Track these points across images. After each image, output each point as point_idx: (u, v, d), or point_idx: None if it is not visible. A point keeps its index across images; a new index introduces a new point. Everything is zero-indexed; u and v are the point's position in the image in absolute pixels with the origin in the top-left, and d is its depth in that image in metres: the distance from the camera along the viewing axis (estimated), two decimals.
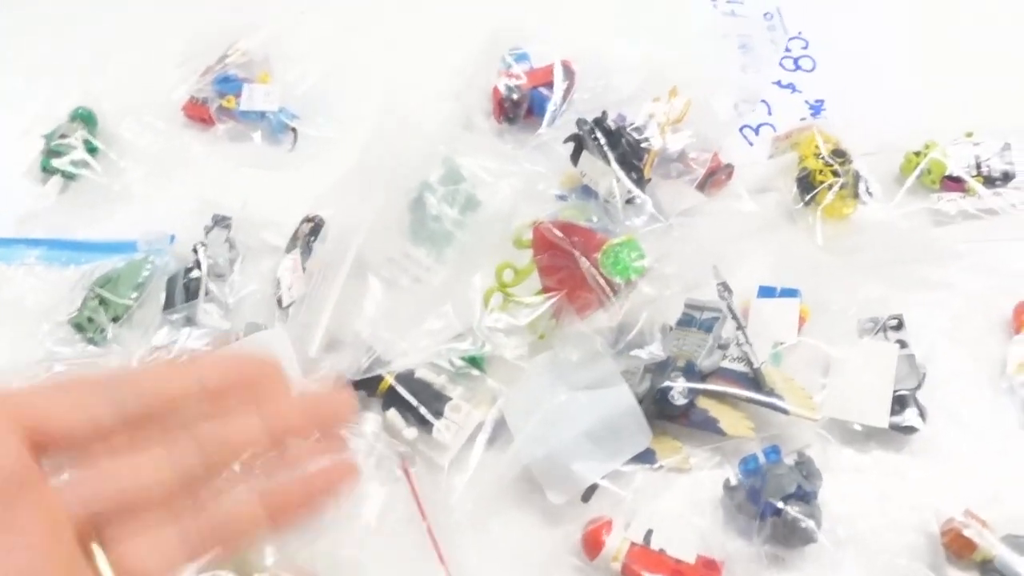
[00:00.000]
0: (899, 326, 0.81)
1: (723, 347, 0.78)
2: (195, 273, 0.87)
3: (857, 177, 0.90)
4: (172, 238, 0.93)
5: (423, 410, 0.76)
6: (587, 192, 0.90)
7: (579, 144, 0.89)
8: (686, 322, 0.80)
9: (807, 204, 0.89)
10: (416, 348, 0.78)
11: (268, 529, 0.41)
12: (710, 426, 0.75)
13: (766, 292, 0.83)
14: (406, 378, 0.78)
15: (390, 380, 0.78)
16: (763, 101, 1.03)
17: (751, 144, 1.00)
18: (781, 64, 1.07)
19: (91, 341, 0.85)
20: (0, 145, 1.05)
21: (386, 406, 0.78)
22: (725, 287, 0.81)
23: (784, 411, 0.74)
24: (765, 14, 1.13)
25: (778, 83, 1.05)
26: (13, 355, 0.86)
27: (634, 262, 0.77)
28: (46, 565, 0.35)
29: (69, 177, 1.00)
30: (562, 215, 0.83)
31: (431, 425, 0.76)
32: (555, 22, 1.09)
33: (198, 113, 1.05)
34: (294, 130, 1.04)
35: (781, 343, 0.80)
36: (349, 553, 0.73)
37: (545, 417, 0.75)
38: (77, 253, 0.94)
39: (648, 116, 0.90)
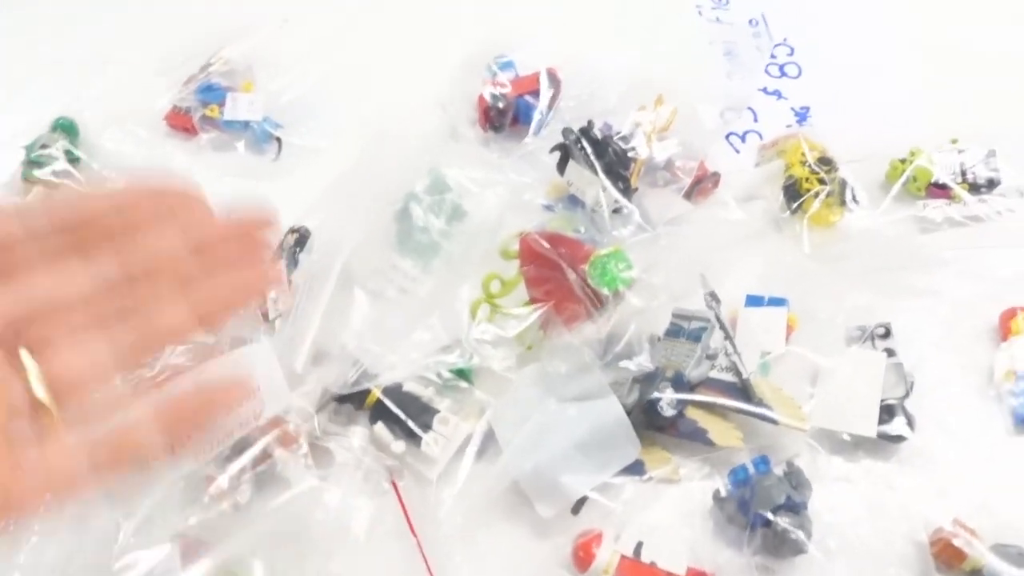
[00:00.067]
0: (887, 334, 0.81)
1: (711, 357, 0.78)
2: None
3: (843, 185, 0.90)
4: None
5: (411, 423, 0.76)
6: (574, 202, 0.90)
7: (565, 154, 0.88)
8: (674, 332, 0.80)
9: (794, 212, 0.89)
10: (404, 361, 0.78)
11: (197, 333, 0.42)
12: (699, 437, 0.75)
13: (754, 301, 0.83)
14: (393, 391, 0.77)
15: (377, 393, 0.77)
16: (749, 108, 1.03)
17: (737, 152, 0.99)
18: (767, 71, 1.07)
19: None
20: None
21: (373, 420, 0.77)
22: (713, 296, 0.81)
23: (773, 421, 0.74)
24: (750, 21, 1.13)
25: (764, 90, 1.05)
26: None
27: (621, 273, 0.76)
28: None
29: (51, 188, 0.99)
30: (549, 226, 0.82)
31: (419, 438, 0.76)
32: (540, 30, 1.09)
33: (181, 122, 1.04)
34: (278, 140, 1.03)
35: (769, 352, 0.80)
36: (337, 567, 0.73)
37: (534, 429, 0.74)
38: None
39: (634, 125, 0.90)
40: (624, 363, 0.75)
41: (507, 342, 0.79)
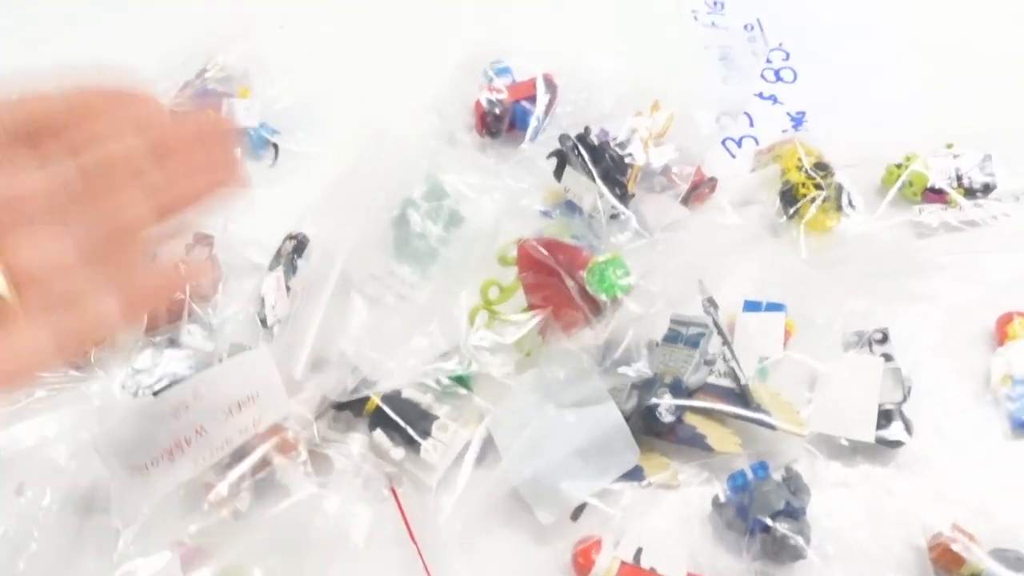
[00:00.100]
0: (884, 339, 0.81)
1: (709, 363, 0.78)
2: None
3: (840, 190, 0.91)
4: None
5: (410, 430, 0.76)
6: (571, 208, 0.90)
7: (562, 160, 0.89)
8: (672, 338, 0.80)
9: (790, 217, 0.90)
10: (402, 368, 0.78)
11: (156, 225, 0.44)
12: (698, 442, 0.75)
13: (751, 307, 0.83)
14: (392, 398, 0.77)
15: (376, 400, 0.77)
16: (745, 113, 1.03)
17: (733, 156, 1.00)
18: (762, 76, 1.08)
19: (73, 364, 0.84)
20: None
21: (372, 426, 0.77)
22: (711, 302, 0.81)
23: (771, 427, 0.74)
24: (745, 26, 1.13)
25: (760, 95, 1.06)
26: None
27: (619, 280, 0.77)
28: None
29: None
30: (546, 232, 0.82)
31: (418, 445, 0.76)
32: (535, 35, 1.09)
33: None
34: (275, 145, 1.03)
35: (767, 358, 0.80)
36: (337, 574, 0.73)
37: (533, 436, 0.75)
38: None
39: (631, 131, 0.90)
40: (623, 369, 0.75)
41: (505, 348, 0.79)
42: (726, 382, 0.77)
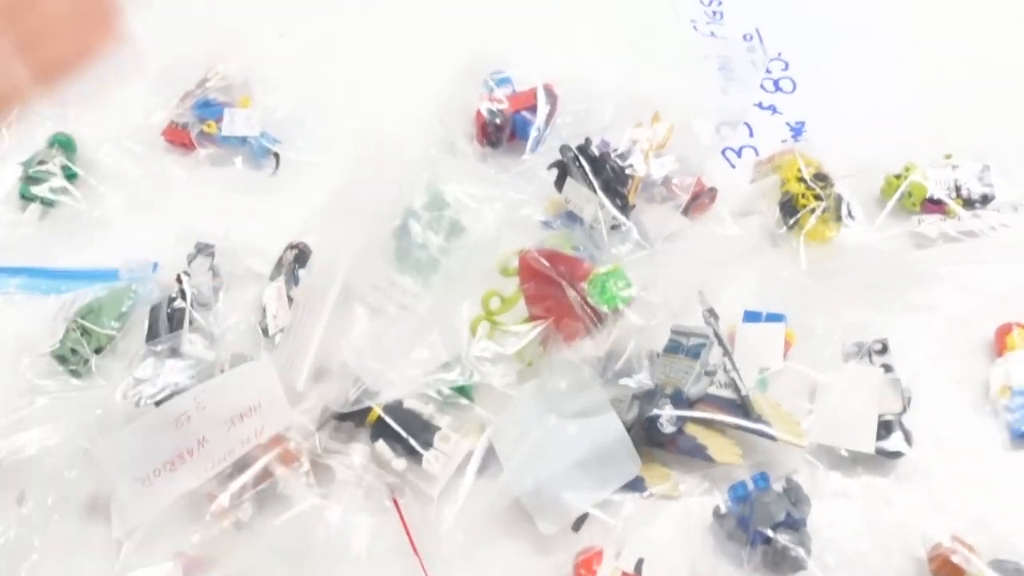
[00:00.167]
0: (883, 350, 0.81)
1: (710, 374, 0.78)
2: (179, 303, 0.86)
3: (839, 200, 0.91)
4: (155, 266, 0.92)
5: (412, 441, 0.76)
6: (571, 218, 0.90)
7: (563, 171, 0.89)
8: (673, 348, 0.80)
9: (790, 228, 0.90)
10: (404, 378, 0.78)
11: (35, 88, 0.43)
12: (698, 453, 0.75)
13: (752, 317, 0.84)
14: (394, 408, 0.78)
15: (378, 411, 0.77)
16: (744, 123, 1.03)
17: (733, 167, 1.00)
18: (762, 86, 1.08)
19: (74, 373, 0.85)
20: None
21: (374, 437, 0.77)
22: (711, 313, 0.81)
23: (772, 438, 0.74)
24: (744, 36, 1.14)
25: (759, 105, 1.06)
26: None
27: (621, 291, 0.77)
28: None
29: (48, 204, 0.99)
30: (548, 243, 0.83)
31: (420, 455, 0.76)
32: (536, 45, 1.10)
33: (178, 138, 1.04)
34: (276, 155, 1.03)
35: (767, 368, 0.80)
36: None
37: (534, 447, 0.75)
38: (58, 282, 0.93)
39: (632, 142, 0.90)
40: (624, 380, 0.76)
41: (507, 359, 0.80)
42: (727, 393, 0.78)
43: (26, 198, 0.99)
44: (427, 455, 0.76)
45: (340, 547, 0.74)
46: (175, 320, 0.85)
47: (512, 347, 0.79)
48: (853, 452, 0.76)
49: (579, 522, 0.74)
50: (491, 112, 0.99)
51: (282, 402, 0.77)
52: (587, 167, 0.87)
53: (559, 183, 0.89)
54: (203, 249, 0.91)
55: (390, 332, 0.82)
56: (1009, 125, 1.00)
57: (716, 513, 0.74)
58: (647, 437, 0.76)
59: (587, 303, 0.77)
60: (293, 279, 0.88)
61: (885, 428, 0.76)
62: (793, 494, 0.73)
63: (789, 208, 0.90)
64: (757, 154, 1.00)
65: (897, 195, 0.92)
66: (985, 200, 0.92)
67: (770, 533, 0.69)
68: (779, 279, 0.87)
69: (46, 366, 0.85)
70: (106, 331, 0.86)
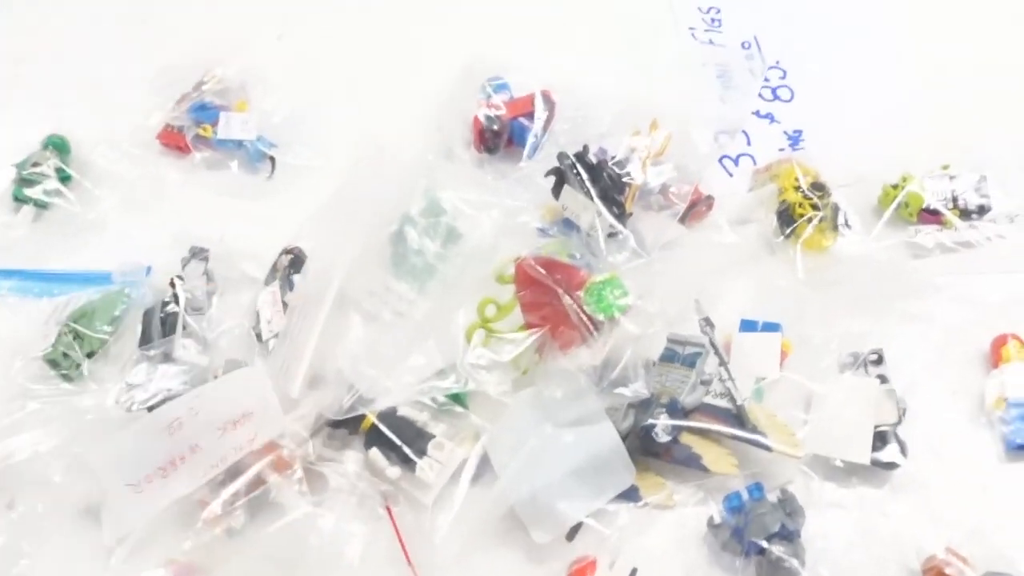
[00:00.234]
0: (879, 360, 0.81)
1: (706, 383, 0.78)
2: (172, 307, 0.86)
3: (836, 209, 0.91)
4: (148, 269, 0.92)
5: (406, 449, 0.76)
6: (568, 225, 0.90)
7: (560, 178, 0.89)
8: (668, 357, 0.80)
9: (787, 237, 0.90)
10: (399, 385, 0.78)
11: None
12: (694, 463, 0.75)
13: (748, 326, 0.83)
14: (388, 416, 0.77)
15: (372, 418, 0.77)
16: (742, 132, 1.03)
17: (731, 175, 1.00)
18: (759, 94, 1.08)
19: (66, 377, 0.84)
20: None
21: (368, 445, 0.77)
22: (708, 322, 0.81)
23: (767, 448, 0.74)
24: (743, 44, 1.14)
25: (757, 113, 1.06)
26: None
27: (617, 300, 0.76)
28: None
29: (41, 206, 0.99)
30: (544, 250, 0.82)
31: (414, 463, 0.75)
32: (533, 51, 1.09)
33: (174, 141, 1.04)
34: (272, 159, 1.03)
35: (763, 378, 0.80)
36: None
37: (529, 455, 0.74)
38: (50, 284, 0.93)
39: (629, 150, 0.90)
40: (620, 389, 0.75)
41: (502, 367, 0.79)
42: (722, 402, 0.77)
43: (19, 200, 0.98)
44: (421, 463, 0.75)
45: (333, 555, 0.74)
46: (168, 325, 0.85)
47: (508, 355, 0.79)
48: (848, 463, 0.76)
49: (573, 531, 0.74)
50: (488, 118, 0.98)
51: (276, 409, 0.76)
52: (584, 175, 0.87)
53: (556, 190, 0.89)
54: (197, 253, 0.91)
55: (385, 339, 0.82)
56: (1006, 136, 1.00)
57: (710, 523, 0.74)
58: (642, 446, 0.75)
59: (583, 311, 0.77)
60: (288, 284, 0.87)
61: (880, 439, 0.76)
62: (788, 505, 0.73)
63: (786, 217, 0.90)
64: (755, 163, 1.00)
65: (894, 205, 0.92)
66: (982, 211, 0.92)
67: (764, 544, 0.69)
68: (776, 288, 0.87)
69: (38, 370, 0.84)
70: (98, 335, 0.86)
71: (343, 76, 1.12)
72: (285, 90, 1.08)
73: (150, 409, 0.77)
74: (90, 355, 0.85)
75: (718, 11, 1.17)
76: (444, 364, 0.79)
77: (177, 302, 0.86)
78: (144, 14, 1.22)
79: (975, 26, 1.15)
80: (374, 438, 0.77)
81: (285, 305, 0.85)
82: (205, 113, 1.03)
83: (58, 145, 1.02)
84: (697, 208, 0.93)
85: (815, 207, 0.89)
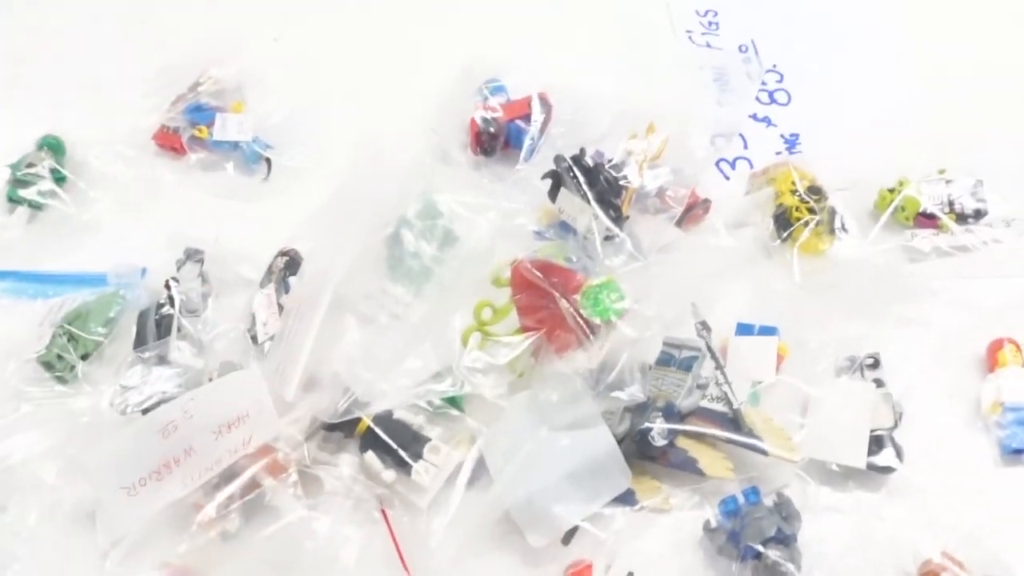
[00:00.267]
0: (875, 365, 0.81)
1: (702, 387, 0.78)
2: (167, 309, 0.85)
3: (833, 213, 0.91)
4: (143, 271, 0.91)
5: (402, 452, 0.75)
6: (565, 228, 0.90)
7: (557, 181, 0.89)
8: (665, 361, 0.80)
9: (784, 240, 0.90)
10: (395, 388, 0.77)
11: None
12: (690, 467, 0.75)
13: (744, 330, 0.83)
14: (384, 419, 0.77)
15: (368, 421, 0.76)
16: (739, 135, 1.03)
17: (727, 178, 1.00)
18: (756, 98, 1.08)
19: (60, 379, 0.84)
20: None
21: (364, 448, 0.77)
22: (704, 325, 0.81)
23: (763, 452, 0.74)
24: (740, 47, 1.14)
25: (754, 116, 1.06)
26: None
27: (614, 303, 0.76)
28: None
29: (36, 207, 0.98)
30: (541, 254, 0.82)
31: (410, 467, 0.75)
32: (530, 54, 1.09)
33: (169, 142, 1.03)
34: (268, 160, 1.03)
35: (759, 382, 0.80)
36: None
37: (525, 459, 0.74)
38: (45, 286, 0.93)
39: (626, 153, 0.90)
40: (616, 393, 0.75)
41: (498, 370, 0.79)
42: (719, 406, 0.77)
43: (13, 201, 0.98)
44: (416, 466, 0.75)
45: (328, 559, 0.74)
46: (163, 327, 0.85)
47: (504, 358, 0.78)
48: (844, 467, 0.76)
49: (569, 535, 0.74)
50: (485, 120, 0.98)
51: (271, 412, 0.76)
52: (581, 178, 0.87)
53: (553, 193, 0.89)
54: (192, 255, 0.91)
55: (381, 342, 0.82)
56: (1003, 141, 1.00)
57: (707, 527, 0.74)
58: (638, 450, 0.75)
59: (580, 315, 0.76)
60: (284, 286, 0.87)
61: (876, 443, 0.76)
62: (784, 509, 0.73)
63: (783, 221, 0.90)
64: (751, 166, 1.00)
65: (891, 209, 0.92)
66: (978, 215, 0.92)
67: (760, 548, 0.69)
68: (772, 292, 0.87)
69: (32, 372, 0.84)
70: (93, 337, 0.86)
71: (339, 78, 1.12)
72: (281, 92, 1.08)
73: (145, 412, 0.77)
74: (84, 357, 0.85)
75: (715, 14, 1.17)
76: (440, 367, 0.79)
77: (172, 304, 0.86)
78: (143, 14, 1.22)
79: (971, 32, 1.15)
80: (370, 441, 0.76)
81: (281, 307, 0.85)
82: (201, 114, 1.03)
83: (53, 146, 1.01)
84: (694, 211, 0.93)
85: (812, 211, 0.89)
